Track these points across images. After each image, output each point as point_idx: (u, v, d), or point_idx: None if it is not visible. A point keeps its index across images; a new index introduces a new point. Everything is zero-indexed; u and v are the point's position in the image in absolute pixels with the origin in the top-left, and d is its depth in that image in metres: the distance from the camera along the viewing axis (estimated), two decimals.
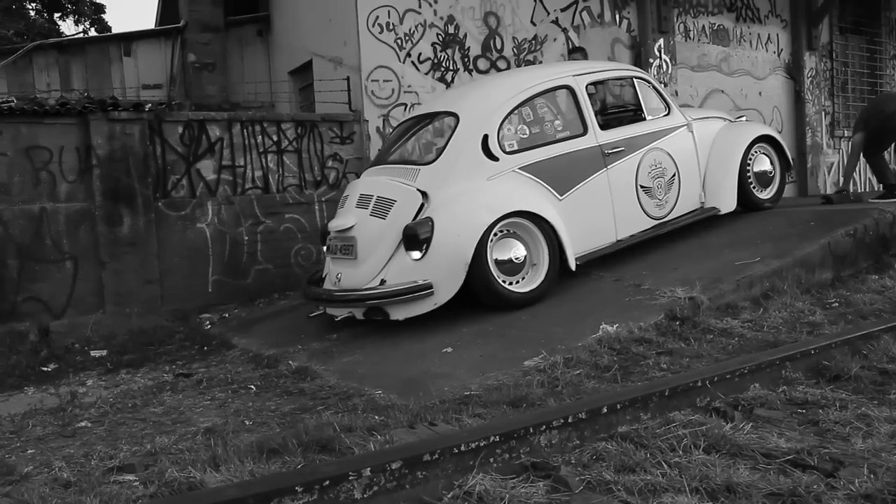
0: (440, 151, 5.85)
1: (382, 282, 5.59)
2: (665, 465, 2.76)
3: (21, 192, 7.09)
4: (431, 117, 6.41)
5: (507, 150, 5.86)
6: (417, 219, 5.55)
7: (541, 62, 9.73)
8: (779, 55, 12.44)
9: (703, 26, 11.50)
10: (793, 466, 2.70)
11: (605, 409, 3.09)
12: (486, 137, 5.79)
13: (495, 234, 5.59)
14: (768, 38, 12.29)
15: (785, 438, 2.97)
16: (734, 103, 11.69)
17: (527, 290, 5.67)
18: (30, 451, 4.03)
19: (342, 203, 6.29)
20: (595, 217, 6.14)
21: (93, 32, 23.87)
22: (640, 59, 10.60)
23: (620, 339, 4.70)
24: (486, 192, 5.68)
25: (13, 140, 7.06)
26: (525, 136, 6.02)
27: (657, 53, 10.66)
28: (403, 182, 5.79)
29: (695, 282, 5.42)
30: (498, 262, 5.60)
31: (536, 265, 5.74)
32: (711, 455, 2.83)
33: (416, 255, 5.47)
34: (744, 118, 8.12)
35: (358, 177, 7.07)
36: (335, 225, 6.01)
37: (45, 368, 6.26)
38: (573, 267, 5.84)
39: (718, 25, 11.67)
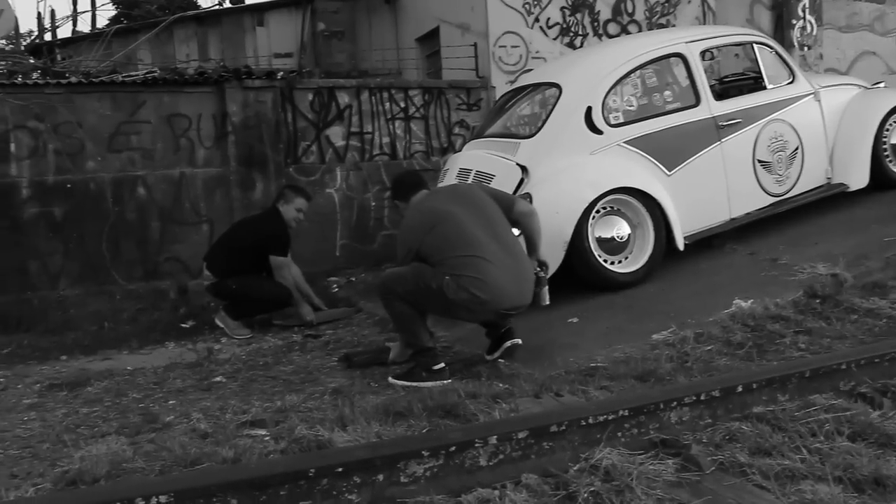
0: (541, 124, 5.65)
1: None
2: (804, 451, 2.62)
3: (163, 157, 7.44)
4: (533, 89, 6.21)
5: (612, 122, 5.61)
6: (516, 194, 5.36)
7: (674, 26, 9.35)
8: None
9: None
10: None
11: (739, 388, 2.97)
12: (589, 110, 5.54)
13: (598, 212, 5.39)
14: None
15: None
16: (888, 66, 10.88)
17: (630, 269, 5.44)
18: (171, 402, 4.27)
19: (441, 177, 6.20)
20: (706, 194, 5.80)
21: (228, 4, 24.72)
22: (781, 20, 10.02)
23: (755, 316, 4.48)
24: (588, 168, 5.46)
25: (156, 108, 7.40)
26: (632, 108, 5.75)
27: (801, 14, 10.01)
28: (503, 156, 5.64)
29: (838, 258, 5.11)
30: (600, 241, 5.39)
31: (641, 244, 5.50)
32: (857, 443, 2.67)
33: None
34: (882, 84, 7.48)
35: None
36: None
37: (183, 325, 6.61)
38: (681, 247, 5.57)
39: None
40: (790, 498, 2.35)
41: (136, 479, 2.86)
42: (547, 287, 4.49)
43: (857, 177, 6.47)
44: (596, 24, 9.05)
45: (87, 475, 2.84)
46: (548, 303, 4.50)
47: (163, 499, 2.12)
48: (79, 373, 5.09)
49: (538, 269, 4.46)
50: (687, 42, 5.98)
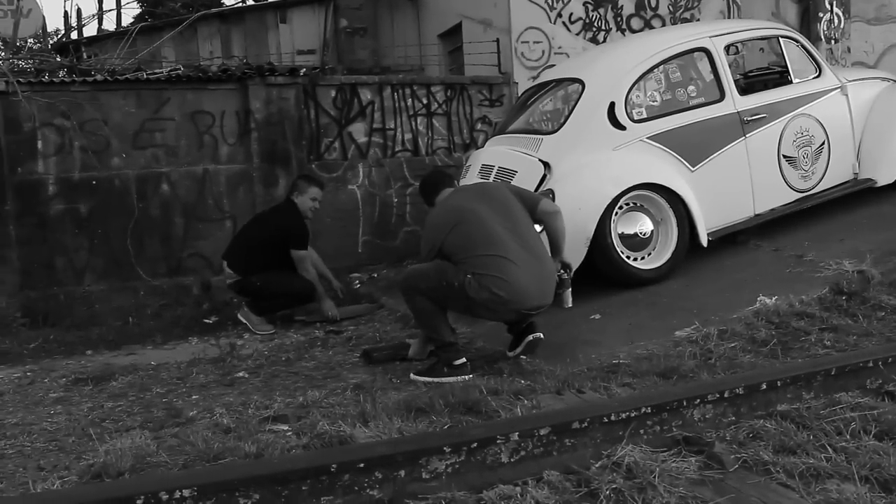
0: (564, 120, 5.64)
1: None
2: (830, 449, 2.59)
3: (186, 154, 7.49)
4: (556, 84, 6.18)
5: (636, 118, 5.57)
6: (538, 191, 5.35)
7: (698, 20, 9.26)
8: None
9: None
10: None
11: (764, 386, 2.94)
12: (612, 105, 5.51)
13: (620, 208, 5.37)
14: None
15: None
16: None
17: (653, 266, 5.42)
18: (194, 397, 4.30)
19: (464, 173, 6.19)
20: (731, 190, 5.75)
21: (251, 2, 24.85)
22: (807, 13, 9.88)
23: (779, 313, 4.44)
24: (611, 164, 5.44)
25: (180, 106, 7.46)
26: (655, 104, 5.71)
27: (828, 7, 9.86)
28: (525, 152, 5.63)
29: (865, 254, 5.04)
30: (623, 237, 5.38)
31: (664, 240, 5.48)
32: (884, 442, 2.63)
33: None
34: None
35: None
36: None
37: (206, 321, 6.66)
38: (704, 243, 5.53)
39: None
40: (815, 497, 2.33)
41: (159, 473, 2.88)
42: (570, 289, 4.47)
43: (886, 172, 6.37)
44: (619, 18, 8.99)
45: (111, 468, 2.87)
46: (570, 305, 4.48)
47: (186, 493, 2.13)
48: (104, 367, 5.14)
49: (561, 270, 4.43)
50: (711, 36, 5.93)
